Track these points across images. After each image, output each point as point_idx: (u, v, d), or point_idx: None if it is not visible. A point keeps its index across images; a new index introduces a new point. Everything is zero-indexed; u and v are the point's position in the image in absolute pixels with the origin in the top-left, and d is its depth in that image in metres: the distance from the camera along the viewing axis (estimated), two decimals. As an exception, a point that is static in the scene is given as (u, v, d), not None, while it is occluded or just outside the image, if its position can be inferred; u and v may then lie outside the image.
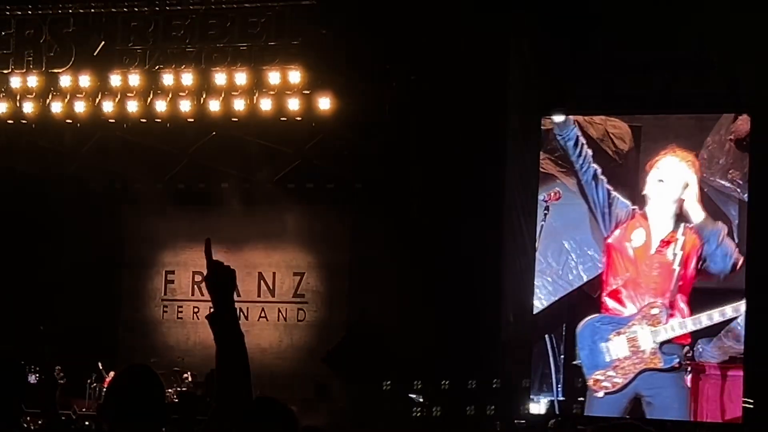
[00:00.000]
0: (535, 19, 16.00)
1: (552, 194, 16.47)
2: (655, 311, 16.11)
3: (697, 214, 16.13)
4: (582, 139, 16.60)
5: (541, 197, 16.49)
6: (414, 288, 16.42)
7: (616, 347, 16.21)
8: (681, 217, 16.20)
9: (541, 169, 16.72)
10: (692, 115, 16.53)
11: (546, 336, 16.50)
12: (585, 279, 16.53)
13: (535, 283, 16.56)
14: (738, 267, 15.93)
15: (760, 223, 15.78)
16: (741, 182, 16.13)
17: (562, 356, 16.41)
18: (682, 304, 16.09)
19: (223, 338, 4.22)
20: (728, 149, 16.32)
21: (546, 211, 16.48)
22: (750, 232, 15.91)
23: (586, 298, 16.52)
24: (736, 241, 16.01)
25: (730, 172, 16.27)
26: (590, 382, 16.21)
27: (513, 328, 16.50)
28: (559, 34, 15.98)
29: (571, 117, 16.66)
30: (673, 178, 16.32)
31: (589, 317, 16.35)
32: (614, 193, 16.44)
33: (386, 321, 16.49)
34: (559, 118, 16.65)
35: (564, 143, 16.66)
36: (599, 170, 16.50)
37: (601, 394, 16.18)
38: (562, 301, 16.58)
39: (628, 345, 16.19)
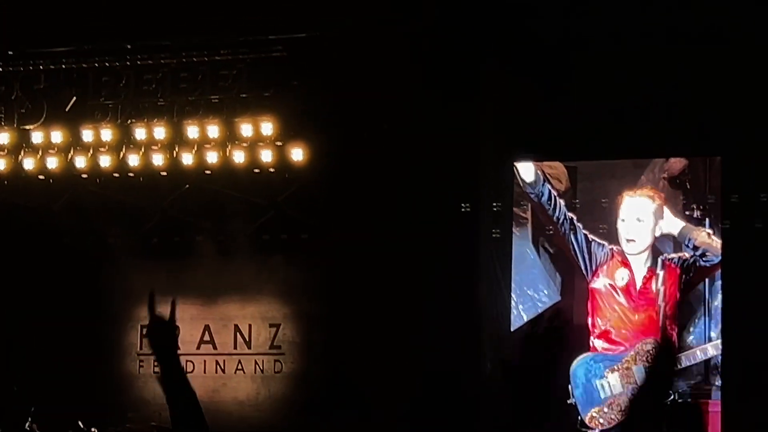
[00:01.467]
0: (507, 64, 16.10)
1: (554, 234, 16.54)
2: (648, 347, 16.17)
3: (676, 225, 16.28)
4: (554, 193, 16.71)
5: (531, 237, 16.56)
6: (393, 338, 16.39)
7: (610, 384, 16.24)
8: (658, 249, 16.32)
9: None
10: (694, 157, 16.65)
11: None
12: (525, 319, 16.55)
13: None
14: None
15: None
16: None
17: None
18: (675, 338, 16.15)
19: (175, 398, 4.13)
20: (662, 187, 16.53)
21: (542, 250, 16.53)
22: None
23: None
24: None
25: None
26: (586, 419, 16.21)
27: (493, 375, 16.48)
28: (532, 80, 16.06)
29: (540, 174, 16.76)
30: (641, 216, 16.44)
31: (582, 356, 16.35)
32: (592, 237, 16.55)
33: (365, 372, 16.44)
34: (529, 178, 16.75)
35: (538, 200, 16.76)
36: (575, 218, 16.61)
37: (596, 431, 16.19)
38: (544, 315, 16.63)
39: (622, 381, 16.23)
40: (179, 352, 5.38)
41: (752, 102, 15.66)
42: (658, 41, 15.84)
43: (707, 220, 16.20)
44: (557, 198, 16.68)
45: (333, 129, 16.12)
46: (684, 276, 16.23)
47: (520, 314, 16.63)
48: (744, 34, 15.46)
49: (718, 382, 15.95)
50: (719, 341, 15.97)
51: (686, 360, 16.04)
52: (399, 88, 15.77)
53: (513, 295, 16.63)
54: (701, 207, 16.29)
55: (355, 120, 16.12)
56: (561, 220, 16.64)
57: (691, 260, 16.21)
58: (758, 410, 15.13)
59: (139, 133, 16.24)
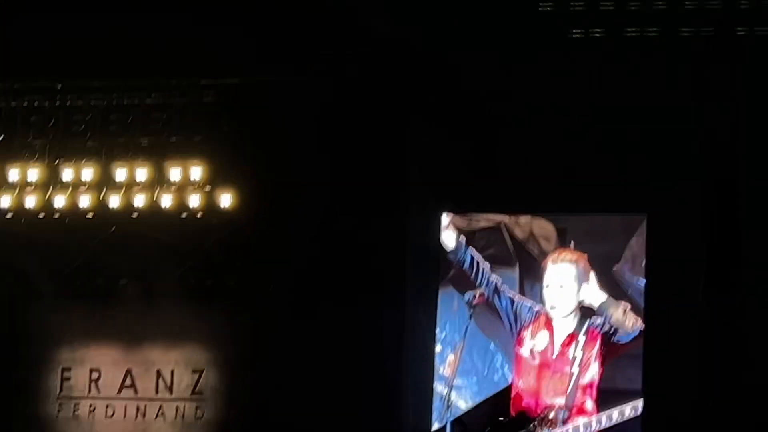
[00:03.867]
0: (432, 116, 16.22)
1: (477, 296, 16.50)
2: (551, 415, 16.21)
3: (597, 298, 16.33)
4: (477, 258, 16.78)
5: (466, 298, 16.53)
6: (319, 386, 16.36)
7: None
8: (585, 313, 16.39)
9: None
10: (618, 215, 16.73)
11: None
12: (510, 380, 16.63)
13: (460, 383, 16.56)
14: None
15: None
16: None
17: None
18: (585, 405, 16.20)
19: None
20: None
21: (471, 311, 16.47)
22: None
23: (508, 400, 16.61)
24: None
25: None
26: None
27: (413, 429, 16.47)
28: (457, 133, 16.20)
29: (462, 241, 16.84)
30: (563, 283, 16.51)
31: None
32: (517, 301, 16.61)
33: (291, 418, 16.39)
34: (450, 245, 16.83)
35: (461, 266, 16.83)
36: (499, 282, 16.66)
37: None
38: (487, 402, 16.64)
39: (535, 447, 16.26)
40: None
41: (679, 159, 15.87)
42: (586, 98, 16.04)
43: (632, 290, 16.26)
44: (479, 264, 16.74)
45: (262, 175, 16.13)
46: (605, 345, 16.29)
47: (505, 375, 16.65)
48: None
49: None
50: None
51: (606, 420, 16.12)
52: (326, 136, 15.85)
53: (498, 355, 16.65)
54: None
55: (284, 168, 16.15)
56: (485, 285, 16.71)
57: (610, 333, 16.28)
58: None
59: (67, 173, 16.14)
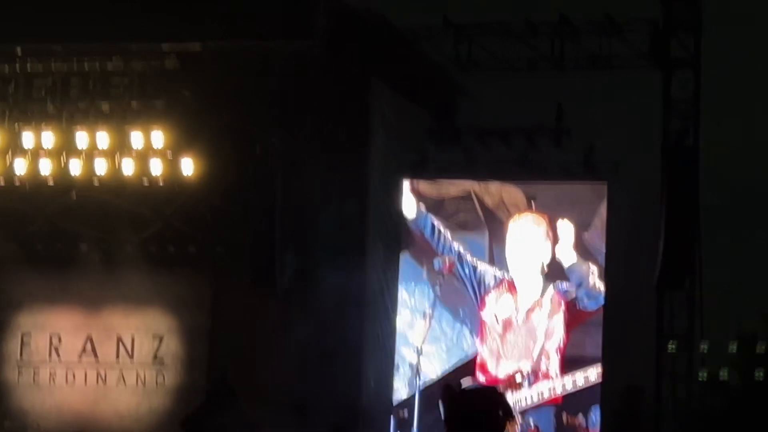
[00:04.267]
0: (395, 85, 16.22)
1: (447, 264, 16.54)
2: (518, 379, 16.32)
3: (568, 258, 16.43)
4: (438, 226, 16.82)
5: (435, 265, 16.54)
6: (276, 352, 16.35)
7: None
8: (549, 277, 16.48)
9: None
10: (586, 182, 16.79)
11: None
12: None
13: (430, 350, 16.62)
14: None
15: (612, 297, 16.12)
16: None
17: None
18: (550, 371, 16.32)
19: None
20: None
21: (439, 279, 16.51)
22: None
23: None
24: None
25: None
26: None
27: (374, 395, 16.52)
28: (420, 101, 16.22)
29: (422, 209, 16.88)
30: (525, 241, 16.61)
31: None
32: (480, 267, 16.68)
33: (247, 385, 16.37)
34: (410, 214, 16.86)
35: (421, 232, 16.87)
36: (461, 249, 16.73)
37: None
38: (457, 369, 16.72)
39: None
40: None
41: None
42: (545, 58, 16.09)
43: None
44: (441, 231, 16.78)
45: (224, 142, 16.07)
46: (570, 312, 16.39)
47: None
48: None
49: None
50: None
51: (571, 385, 16.23)
52: (290, 103, 15.80)
53: (467, 322, 16.70)
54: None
55: (246, 134, 16.09)
56: (447, 253, 16.75)
57: (576, 297, 16.38)
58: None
59: (27, 138, 16.01)
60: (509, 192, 16.80)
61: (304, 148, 16.06)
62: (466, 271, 16.67)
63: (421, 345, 16.18)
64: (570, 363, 16.30)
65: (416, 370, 16.19)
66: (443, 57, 16.37)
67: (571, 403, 16.25)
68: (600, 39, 16.13)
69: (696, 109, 16.30)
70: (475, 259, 16.68)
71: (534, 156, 16.49)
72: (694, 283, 16.25)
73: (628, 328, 16.62)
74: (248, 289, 16.69)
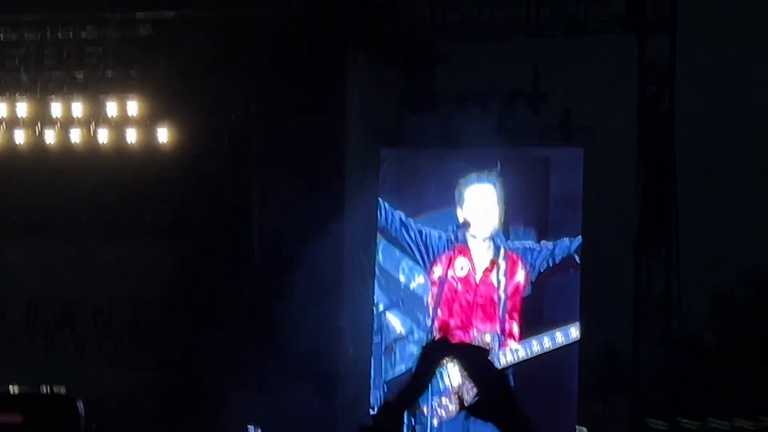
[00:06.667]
0: (372, 52, 16.17)
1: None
2: (488, 338, 16.34)
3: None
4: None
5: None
6: (251, 322, 16.33)
7: (450, 375, 16.36)
8: (500, 237, 16.46)
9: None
10: (556, 149, 16.76)
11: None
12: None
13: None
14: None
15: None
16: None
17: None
18: (514, 330, 16.36)
19: None
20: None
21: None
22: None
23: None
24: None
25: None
26: (424, 409, 16.25)
27: (352, 361, 16.55)
28: (397, 68, 16.19)
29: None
30: (480, 205, 16.57)
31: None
32: (425, 231, 16.66)
33: (227, 353, 16.38)
34: None
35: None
36: (402, 215, 16.71)
37: (436, 422, 16.31)
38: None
39: (461, 373, 16.30)
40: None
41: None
42: (524, 33, 16.09)
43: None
44: (383, 202, 16.78)
45: (199, 111, 16.01)
46: (529, 267, 16.37)
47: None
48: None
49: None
50: (567, 327, 16.23)
51: (538, 346, 16.28)
52: (266, 71, 15.74)
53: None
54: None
55: (222, 103, 16.03)
56: (390, 221, 16.75)
57: (538, 252, 16.37)
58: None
59: (1, 108, 15.93)
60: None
61: (280, 115, 16.00)
62: (412, 235, 16.64)
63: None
64: (535, 324, 16.28)
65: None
66: (420, 23, 16.32)
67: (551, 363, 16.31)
68: (576, 4, 16.13)
69: (671, 73, 16.34)
70: (419, 224, 16.62)
71: (511, 120, 16.47)
72: (671, 245, 16.34)
73: (606, 290, 16.69)
74: (227, 258, 16.64)
